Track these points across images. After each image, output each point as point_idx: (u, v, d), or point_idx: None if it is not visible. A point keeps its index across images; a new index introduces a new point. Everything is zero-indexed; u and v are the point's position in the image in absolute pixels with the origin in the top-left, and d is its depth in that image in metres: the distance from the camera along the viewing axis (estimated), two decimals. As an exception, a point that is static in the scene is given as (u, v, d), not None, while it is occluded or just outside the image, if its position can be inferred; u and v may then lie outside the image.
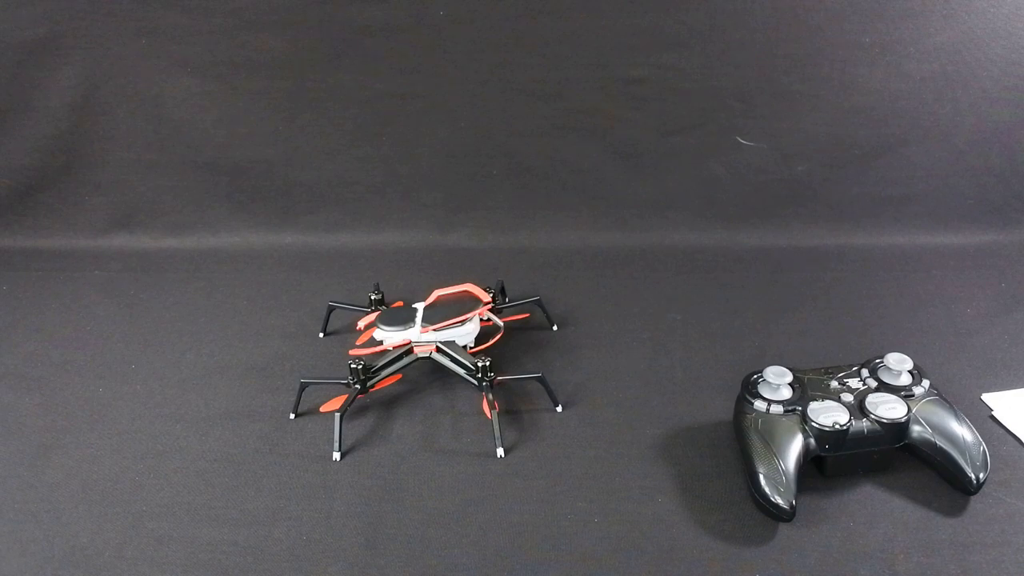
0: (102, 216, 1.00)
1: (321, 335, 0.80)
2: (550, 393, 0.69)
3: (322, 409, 0.69)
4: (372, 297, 0.79)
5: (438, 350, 0.70)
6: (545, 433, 0.66)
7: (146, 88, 0.93)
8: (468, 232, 0.97)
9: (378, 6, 0.88)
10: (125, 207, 1.00)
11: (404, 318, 0.72)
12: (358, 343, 0.74)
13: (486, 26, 0.89)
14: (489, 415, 0.65)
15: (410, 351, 0.71)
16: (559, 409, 0.69)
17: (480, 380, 0.67)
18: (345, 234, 0.98)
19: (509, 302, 0.80)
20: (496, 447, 0.64)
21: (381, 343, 0.71)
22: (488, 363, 0.67)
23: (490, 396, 0.66)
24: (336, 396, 0.68)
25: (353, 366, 0.67)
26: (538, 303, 0.80)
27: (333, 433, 0.64)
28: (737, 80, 0.90)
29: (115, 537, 0.58)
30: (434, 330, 0.71)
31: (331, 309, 0.81)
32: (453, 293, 0.77)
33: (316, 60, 0.91)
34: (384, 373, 0.69)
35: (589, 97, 0.92)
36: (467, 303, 0.74)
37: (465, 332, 0.72)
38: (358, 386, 0.67)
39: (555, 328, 0.80)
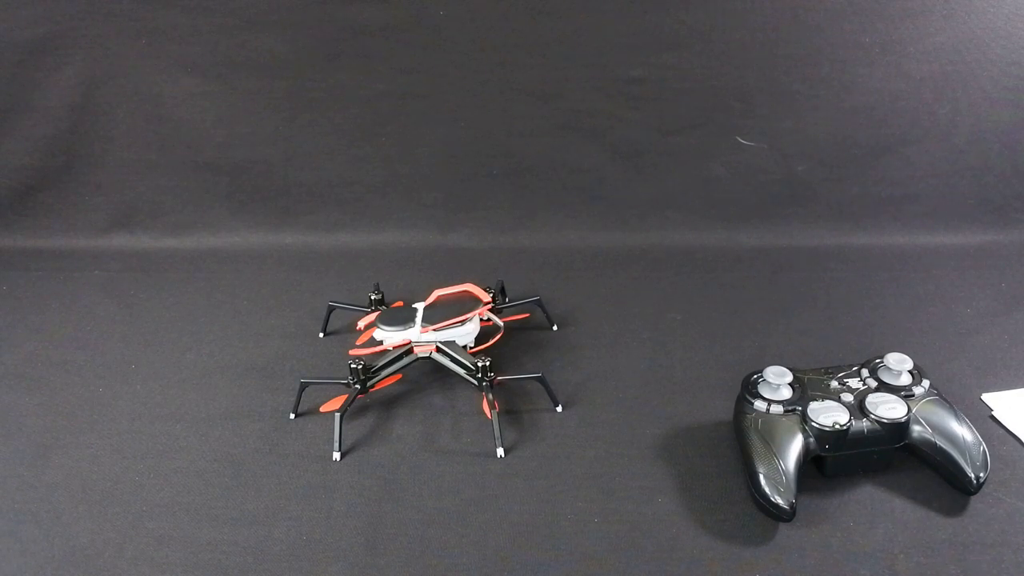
0: (102, 216, 1.00)
1: (321, 335, 0.80)
2: (550, 393, 0.69)
3: (322, 409, 0.69)
4: (372, 297, 0.79)
5: (438, 350, 0.70)
6: (545, 433, 0.66)
7: (146, 88, 0.94)
8: (468, 232, 0.97)
9: (378, 6, 0.88)
10: (125, 207, 1.00)
11: (404, 318, 0.72)
12: (358, 343, 0.74)
13: (486, 26, 0.89)
14: (489, 415, 0.65)
15: (410, 351, 0.71)
16: (559, 409, 0.69)
17: (480, 380, 0.67)
18: (345, 234, 0.98)
19: (509, 302, 0.80)
20: (496, 447, 0.64)
21: (381, 343, 0.71)
22: (488, 363, 0.67)
23: (490, 396, 0.66)
24: (336, 396, 0.68)
25: (353, 366, 0.66)
26: (538, 303, 0.80)
27: (333, 433, 0.64)
28: (737, 80, 0.90)
29: (115, 537, 0.58)
30: (434, 330, 0.71)
31: (331, 309, 0.81)
32: (453, 293, 0.77)
33: (316, 60, 0.91)
34: (384, 373, 0.69)
35: (589, 97, 0.92)
36: (467, 303, 0.74)
37: (465, 332, 0.72)
38: (358, 386, 0.67)
39: (555, 328, 0.80)
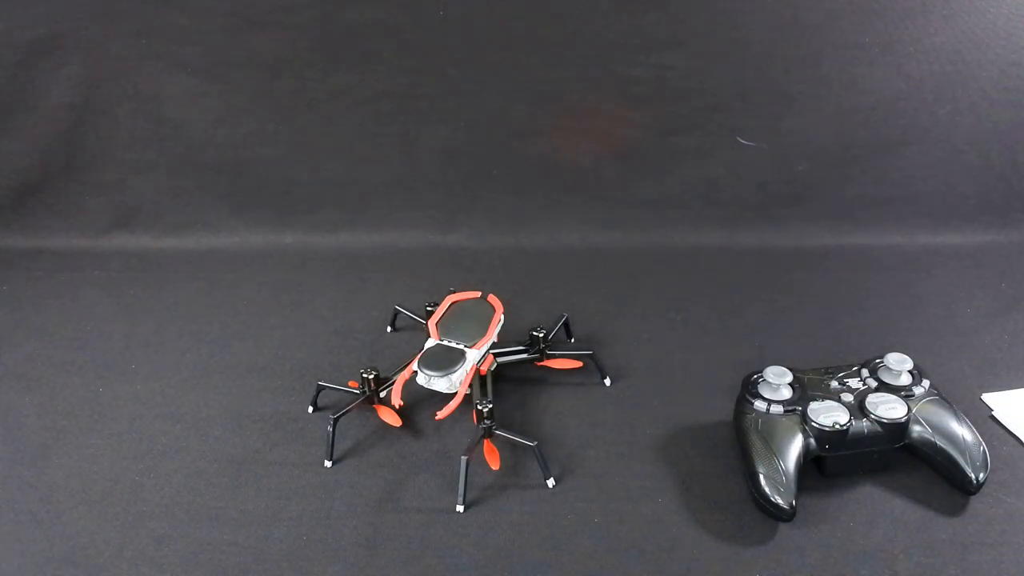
0: (102, 216, 1.00)
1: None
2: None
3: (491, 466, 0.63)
4: (364, 376, 0.67)
5: (495, 357, 0.70)
6: (545, 433, 0.66)
7: (146, 88, 0.94)
8: (468, 232, 0.97)
9: (378, 6, 0.88)
10: (125, 207, 1.00)
11: (450, 357, 0.66)
12: (397, 402, 0.66)
13: (486, 26, 0.89)
14: (571, 364, 0.71)
15: (479, 373, 0.68)
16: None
17: (544, 350, 0.71)
18: (345, 234, 0.98)
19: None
20: (602, 379, 0.72)
21: (454, 393, 0.65)
22: (544, 332, 0.71)
23: (555, 353, 0.72)
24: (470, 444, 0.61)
25: (481, 408, 0.62)
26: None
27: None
28: (737, 80, 0.90)
29: (115, 537, 0.58)
30: (485, 343, 0.69)
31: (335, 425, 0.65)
32: (444, 312, 0.73)
33: (316, 60, 0.91)
34: (490, 395, 0.66)
35: (589, 97, 0.92)
36: (470, 310, 0.73)
37: (498, 327, 0.72)
38: (489, 421, 0.62)
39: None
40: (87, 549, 0.57)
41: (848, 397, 0.60)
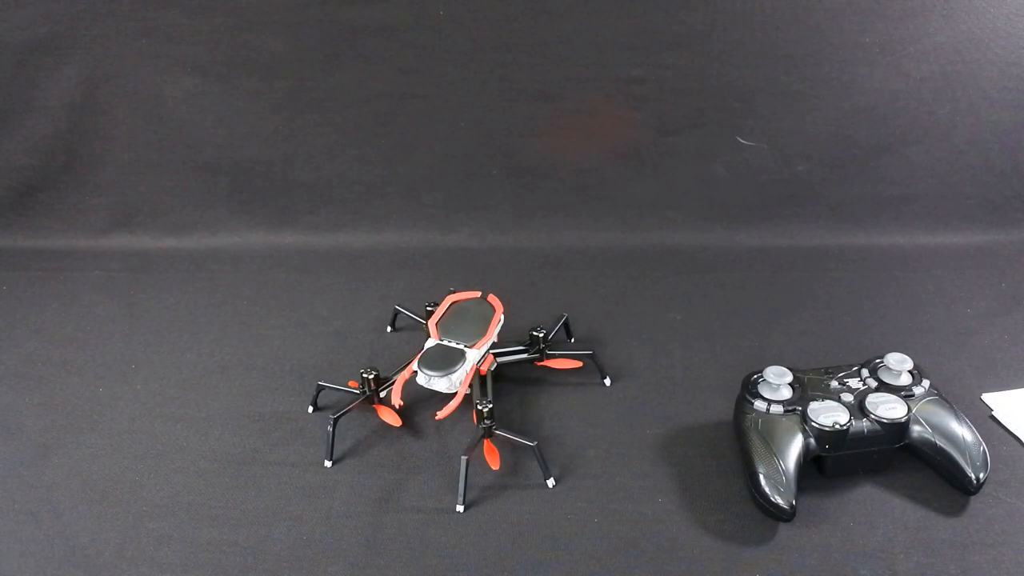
0: (102, 216, 1.00)
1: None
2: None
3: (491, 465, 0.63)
4: (367, 376, 0.67)
5: (495, 357, 0.69)
6: (546, 433, 0.66)
7: (146, 88, 0.93)
8: (468, 232, 0.97)
9: (378, 6, 0.88)
10: (125, 207, 1.00)
11: (450, 356, 0.66)
12: (397, 401, 0.66)
13: (486, 26, 0.89)
14: (571, 364, 0.71)
15: (479, 374, 0.68)
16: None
17: (542, 352, 0.71)
18: (345, 234, 0.98)
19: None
20: (603, 378, 0.72)
21: (454, 393, 0.65)
22: (543, 333, 0.70)
23: (555, 353, 0.71)
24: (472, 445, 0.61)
25: (480, 408, 0.62)
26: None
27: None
28: (737, 80, 0.90)
29: (115, 537, 0.58)
30: (486, 343, 0.69)
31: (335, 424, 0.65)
32: (444, 312, 0.73)
33: (316, 60, 0.91)
34: (490, 395, 0.66)
35: (589, 97, 0.92)
36: (470, 310, 0.73)
37: (498, 326, 0.72)
38: (489, 423, 0.62)
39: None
40: (87, 549, 0.57)
41: (848, 397, 0.60)
